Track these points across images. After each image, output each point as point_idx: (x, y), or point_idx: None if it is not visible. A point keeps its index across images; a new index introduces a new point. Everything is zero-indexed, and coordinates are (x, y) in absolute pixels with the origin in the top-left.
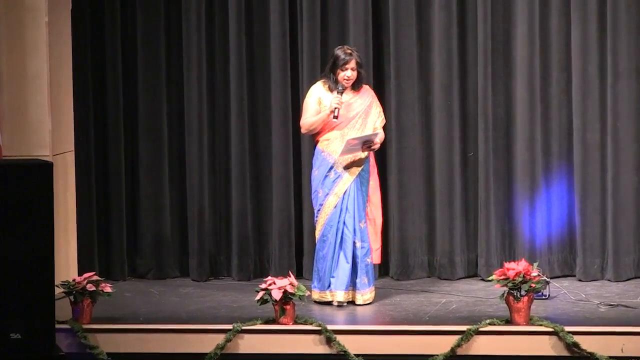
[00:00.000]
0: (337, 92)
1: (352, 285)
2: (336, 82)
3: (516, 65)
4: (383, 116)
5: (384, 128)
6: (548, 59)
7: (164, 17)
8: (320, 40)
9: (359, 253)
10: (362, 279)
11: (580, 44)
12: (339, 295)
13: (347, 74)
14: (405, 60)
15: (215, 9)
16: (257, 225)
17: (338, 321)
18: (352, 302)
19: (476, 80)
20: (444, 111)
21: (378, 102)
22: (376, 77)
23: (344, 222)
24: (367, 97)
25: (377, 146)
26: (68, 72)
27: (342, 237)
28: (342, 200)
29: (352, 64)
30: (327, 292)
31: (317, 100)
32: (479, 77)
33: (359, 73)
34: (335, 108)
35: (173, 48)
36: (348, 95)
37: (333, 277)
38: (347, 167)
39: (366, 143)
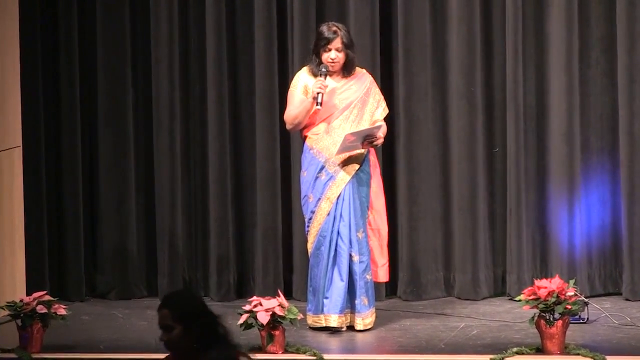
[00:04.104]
0: (321, 75)
1: (350, 307)
2: (319, 64)
3: (551, 43)
4: (385, 105)
5: (387, 119)
6: (588, 35)
7: None
8: (316, 14)
9: (356, 268)
10: (361, 300)
11: (626, 17)
12: (333, 319)
13: (331, 55)
14: (417, 36)
15: None
16: (239, 236)
17: (336, 349)
18: (351, 328)
19: (503, 62)
20: (463, 98)
21: (378, 89)
22: (383, 56)
23: (338, 232)
24: (363, 83)
25: (380, 141)
26: (14, 53)
27: (336, 249)
28: (336, 206)
29: (337, 43)
30: (321, 315)
31: (303, 89)
32: (507, 57)
33: (347, 55)
34: (318, 93)
35: (139, 24)
36: (339, 82)
37: (326, 297)
38: (341, 166)
39: (367, 138)
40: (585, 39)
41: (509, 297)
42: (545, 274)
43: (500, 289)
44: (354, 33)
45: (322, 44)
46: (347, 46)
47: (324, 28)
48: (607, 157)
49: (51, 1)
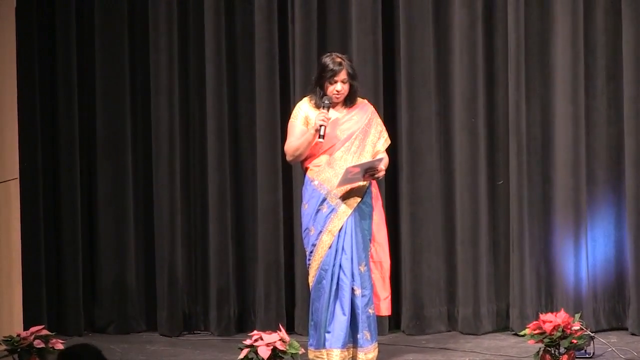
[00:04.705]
0: (323, 107)
1: (353, 341)
2: (322, 96)
3: (555, 74)
4: (386, 135)
5: (389, 150)
6: (594, 65)
7: (127, 16)
8: (317, 42)
9: (359, 302)
10: (363, 334)
11: (633, 47)
12: (335, 354)
13: (337, 87)
14: (420, 67)
15: (188, 5)
16: (240, 270)
17: None
18: None
19: (506, 92)
20: (465, 129)
21: (379, 119)
22: (386, 87)
23: (340, 265)
24: (365, 113)
25: (381, 174)
26: (11, 82)
27: (338, 283)
28: (338, 239)
29: (343, 75)
30: (323, 350)
31: (304, 120)
32: (510, 87)
33: (351, 86)
34: (321, 125)
35: (138, 53)
36: (340, 112)
37: (328, 332)
38: (343, 199)
39: (368, 170)
40: (590, 68)
41: (512, 332)
42: (550, 308)
43: (504, 324)
44: (356, 63)
45: (327, 76)
46: (352, 77)
47: (328, 60)
48: (613, 189)
49: (49, 32)
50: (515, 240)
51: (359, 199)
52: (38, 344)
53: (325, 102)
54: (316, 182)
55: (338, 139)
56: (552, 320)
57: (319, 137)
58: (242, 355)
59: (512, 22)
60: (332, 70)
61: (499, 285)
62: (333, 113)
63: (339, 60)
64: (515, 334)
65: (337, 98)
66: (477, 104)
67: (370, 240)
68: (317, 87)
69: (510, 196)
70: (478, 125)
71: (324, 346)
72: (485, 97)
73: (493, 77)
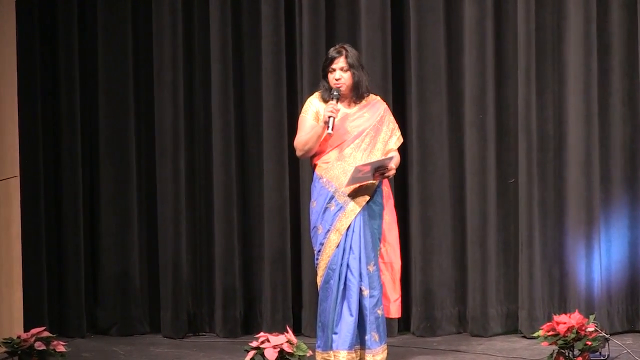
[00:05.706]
0: (332, 98)
1: (360, 343)
2: (330, 88)
3: (568, 70)
4: (399, 134)
5: (401, 149)
6: (608, 62)
7: (130, 10)
8: (326, 38)
9: (366, 303)
10: (371, 336)
11: None
12: (342, 356)
13: (335, 76)
14: (430, 63)
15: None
16: (246, 269)
17: None
18: None
19: (516, 88)
20: (475, 127)
21: (392, 117)
22: (395, 83)
23: (348, 265)
24: (377, 111)
25: (392, 172)
26: (12, 78)
27: (345, 283)
28: (345, 238)
29: (341, 62)
30: (330, 352)
31: (314, 115)
32: (520, 84)
33: (353, 75)
34: (330, 117)
35: (142, 48)
36: (351, 109)
37: (335, 333)
38: (352, 197)
39: (378, 169)
40: (604, 65)
41: (522, 335)
42: (562, 310)
43: (514, 326)
44: (365, 59)
45: (326, 63)
46: (352, 66)
47: (331, 48)
48: (627, 189)
49: (51, 27)
50: (524, 240)
51: (367, 197)
52: (39, 346)
53: (335, 93)
54: (324, 180)
55: (348, 136)
56: (566, 321)
57: (328, 129)
58: (248, 358)
59: (522, 16)
60: (330, 57)
61: (510, 287)
62: (343, 109)
63: (340, 48)
64: (525, 337)
65: (337, 86)
66: (487, 101)
67: (380, 239)
68: (323, 79)
69: (520, 195)
70: (488, 122)
71: (331, 347)
72: (496, 94)
73: (503, 73)
